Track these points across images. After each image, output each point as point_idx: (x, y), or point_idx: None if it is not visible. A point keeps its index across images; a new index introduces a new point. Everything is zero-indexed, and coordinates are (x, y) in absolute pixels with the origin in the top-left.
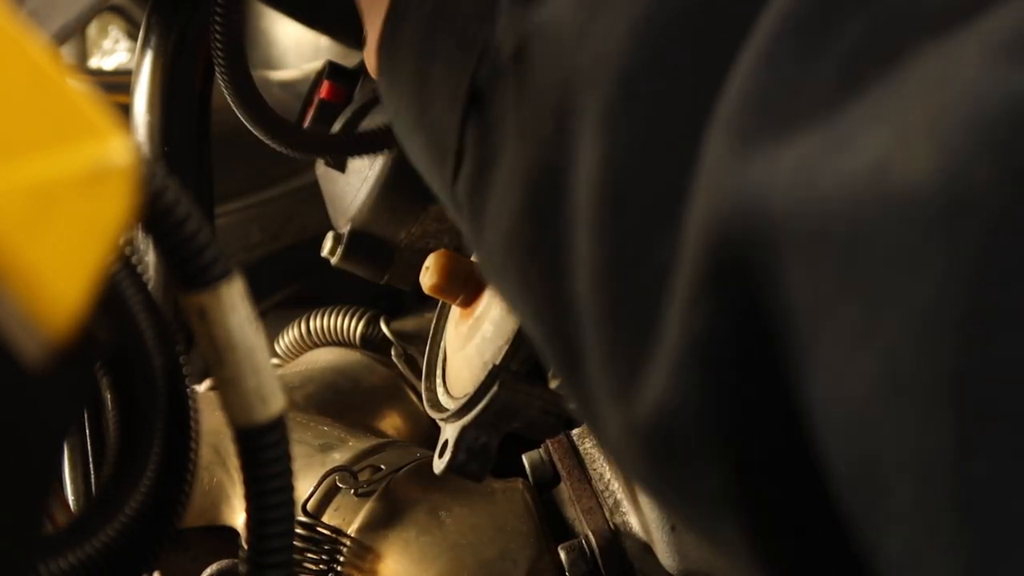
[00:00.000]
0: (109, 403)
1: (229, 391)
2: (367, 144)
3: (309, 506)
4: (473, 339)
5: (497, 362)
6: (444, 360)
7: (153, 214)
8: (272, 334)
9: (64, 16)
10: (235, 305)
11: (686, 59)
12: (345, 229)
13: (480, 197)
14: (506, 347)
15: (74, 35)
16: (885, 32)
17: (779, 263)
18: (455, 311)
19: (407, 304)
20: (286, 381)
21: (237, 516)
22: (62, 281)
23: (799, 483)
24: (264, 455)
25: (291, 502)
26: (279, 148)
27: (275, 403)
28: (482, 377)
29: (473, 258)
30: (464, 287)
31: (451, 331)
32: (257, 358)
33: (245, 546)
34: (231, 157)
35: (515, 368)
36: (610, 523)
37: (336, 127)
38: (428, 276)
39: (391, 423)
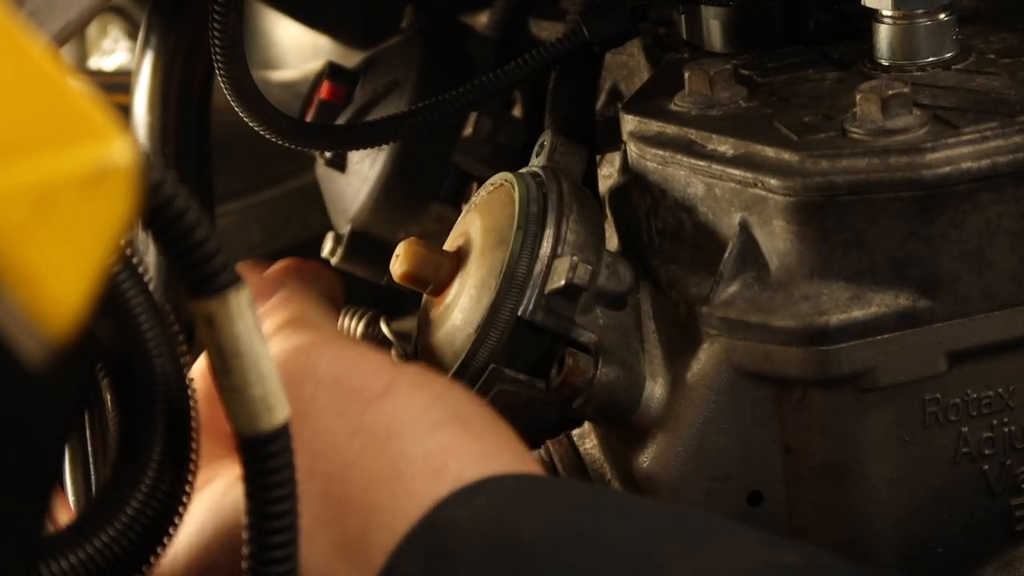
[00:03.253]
0: (109, 403)
1: (234, 399)
2: (369, 137)
3: None
4: (443, 327)
5: (466, 351)
6: (416, 349)
7: (162, 221)
8: None
9: (64, 17)
10: (242, 313)
11: None
12: (345, 229)
13: None
14: (475, 335)
15: (75, 36)
16: None
17: None
18: (426, 299)
19: (407, 304)
20: None
21: None
22: (63, 282)
23: None
24: (269, 463)
25: (295, 511)
26: (281, 142)
27: (280, 411)
28: (452, 366)
29: (445, 246)
30: (434, 275)
31: (422, 319)
32: (263, 366)
33: (245, 554)
34: (231, 157)
35: (485, 359)
36: None
37: None
38: (398, 264)
39: None
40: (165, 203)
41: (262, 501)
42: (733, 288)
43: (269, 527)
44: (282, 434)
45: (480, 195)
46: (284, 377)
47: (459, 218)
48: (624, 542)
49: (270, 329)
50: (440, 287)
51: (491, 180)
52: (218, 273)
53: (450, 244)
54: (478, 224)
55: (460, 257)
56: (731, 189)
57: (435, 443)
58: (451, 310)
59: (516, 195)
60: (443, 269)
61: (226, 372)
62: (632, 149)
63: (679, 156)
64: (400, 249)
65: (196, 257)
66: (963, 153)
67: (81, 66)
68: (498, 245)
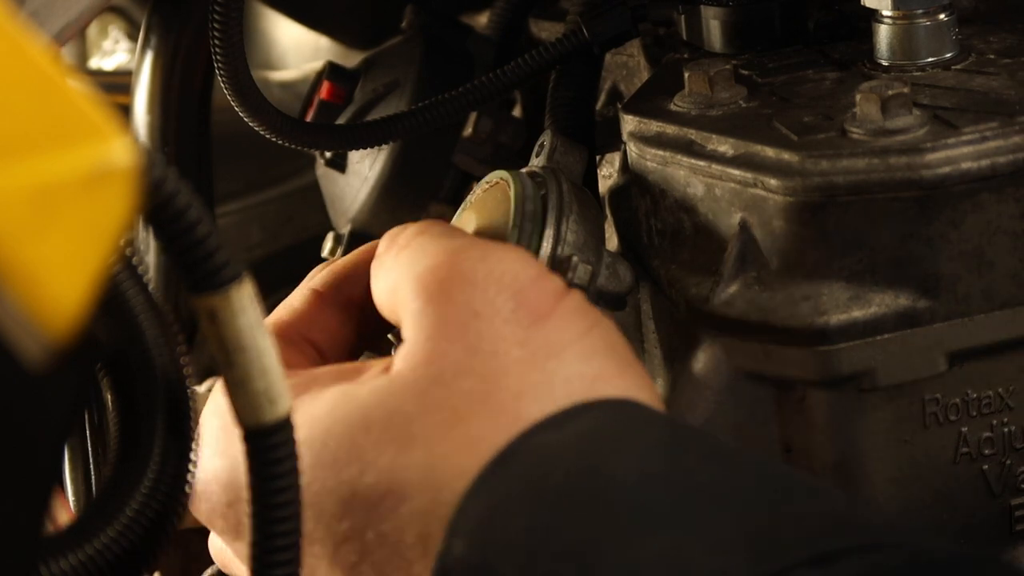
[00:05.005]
0: (109, 403)
1: (238, 392)
2: (369, 136)
3: None
4: None
5: None
6: None
7: (164, 218)
8: None
9: (64, 17)
10: (245, 307)
11: None
12: (345, 229)
13: None
14: None
15: (75, 36)
16: None
17: None
18: None
19: None
20: None
21: None
22: (63, 282)
23: None
24: (272, 455)
25: (299, 502)
26: (281, 142)
27: (283, 404)
28: None
29: None
30: None
31: None
32: (266, 359)
33: (250, 544)
34: (231, 157)
35: None
36: None
37: None
38: None
39: None
40: (167, 200)
41: (265, 491)
42: (733, 288)
43: (273, 516)
44: (284, 426)
45: (476, 193)
46: (461, 273)
47: (455, 216)
48: (706, 484)
49: (418, 231)
50: None
51: (486, 178)
52: (220, 269)
53: None
54: (473, 223)
55: None
56: (731, 189)
57: (589, 368)
58: None
59: (512, 193)
60: None
61: (229, 366)
62: (632, 149)
63: (679, 156)
64: None
65: (198, 254)
66: (963, 153)
67: (81, 66)
68: None
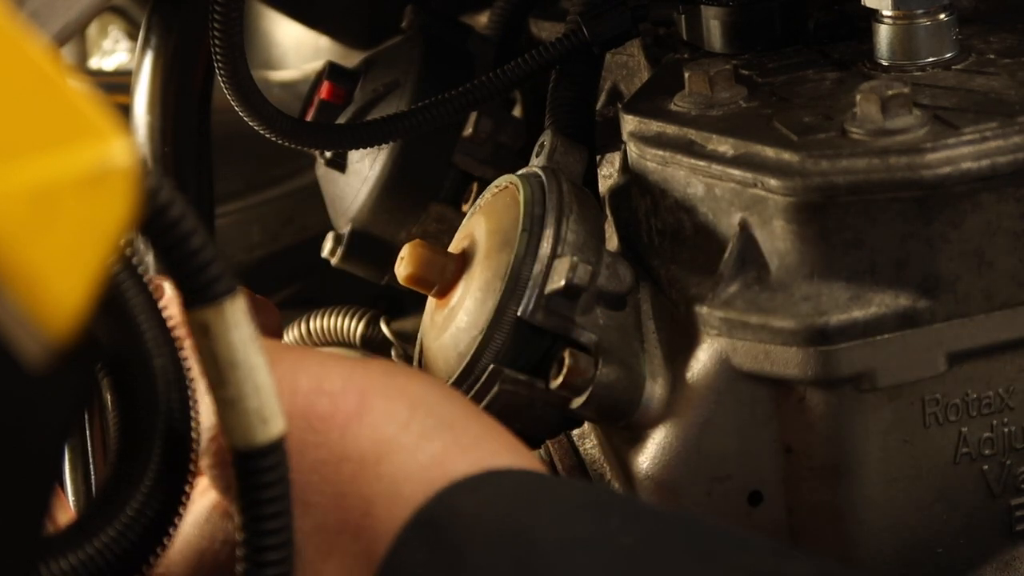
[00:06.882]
0: (109, 403)
1: (230, 411)
2: (369, 136)
3: None
4: (448, 329)
5: (471, 353)
6: (421, 351)
7: (157, 228)
8: None
9: (64, 17)
10: (239, 322)
11: None
12: (345, 230)
13: None
14: (480, 337)
15: (75, 36)
16: None
17: None
18: (431, 301)
19: (407, 304)
20: None
21: None
22: (63, 282)
23: None
24: (263, 478)
25: (290, 527)
26: (281, 142)
27: (275, 424)
28: (457, 368)
29: (450, 248)
30: (439, 277)
31: (427, 321)
32: (259, 377)
33: (240, 572)
34: (231, 157)
35: (490, 361)
36: None
37: None
38: (403, 266)
39: None
40: (160, 210)
41: (257, 517)
42: (733, 288)
43: (264, 544)
44: (277, 447)
45: (485, 197)
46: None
47: (464, 220)
48: (633, 546)
49: None
50: (445, 289)
51: (496, 182)
52: (214, 282)
53: (455, 246)
54: (483, 226)
55: (465, 259)
56: (731, 189)
57: (426, 455)
58: (456, 312)
59: (521, 197)
60: (448, 271)
61: (221, 383)
62: (632, 149)
63: (679, 156)
64: (405, 251)
65: (191, 265)
66: (963, 153)
67: (81, 66)
68: (503, 247)
